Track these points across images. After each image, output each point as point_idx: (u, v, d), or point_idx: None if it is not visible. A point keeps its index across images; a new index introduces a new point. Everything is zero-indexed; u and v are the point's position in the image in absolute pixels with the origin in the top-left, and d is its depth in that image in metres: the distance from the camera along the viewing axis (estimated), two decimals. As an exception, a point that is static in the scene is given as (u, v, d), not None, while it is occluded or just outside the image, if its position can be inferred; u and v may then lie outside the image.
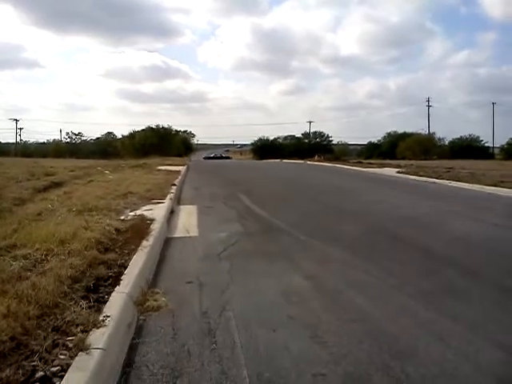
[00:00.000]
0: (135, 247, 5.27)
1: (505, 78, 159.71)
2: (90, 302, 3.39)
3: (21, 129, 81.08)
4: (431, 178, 18.17)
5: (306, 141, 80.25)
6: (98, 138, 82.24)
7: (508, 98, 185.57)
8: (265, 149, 72.29)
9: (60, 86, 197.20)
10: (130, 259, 4.71)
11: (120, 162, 28.82)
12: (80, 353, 2.54)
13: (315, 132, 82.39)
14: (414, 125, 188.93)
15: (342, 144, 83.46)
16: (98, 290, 3.71)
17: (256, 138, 79.36)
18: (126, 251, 5.07)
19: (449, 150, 65.27)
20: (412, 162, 38.15)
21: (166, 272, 4.96)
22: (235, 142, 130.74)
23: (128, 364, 2.86)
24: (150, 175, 17.32)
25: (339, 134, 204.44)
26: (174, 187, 12.92)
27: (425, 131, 70.62)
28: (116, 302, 3.40)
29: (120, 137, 74.71)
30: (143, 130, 66.08)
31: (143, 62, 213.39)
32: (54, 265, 4.06)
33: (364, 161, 39.73)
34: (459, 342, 3.20)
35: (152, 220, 7.09)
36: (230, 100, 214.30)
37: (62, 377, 2.33)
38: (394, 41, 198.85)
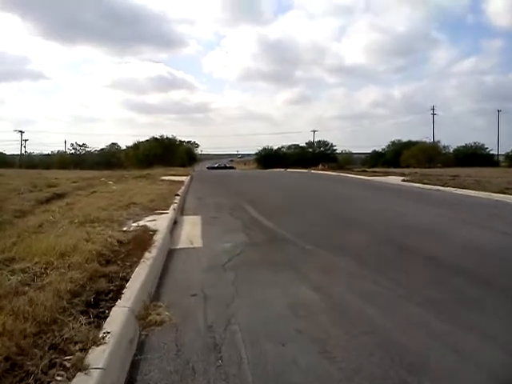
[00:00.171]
0: (137, 259, 5.14)
1: (511, 85, 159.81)
2: (89, 317, 3.26)
3: (26, 140, 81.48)
4: (436, 185, 18.02)
5: (310, 150, 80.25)
6: (102, 149, 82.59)
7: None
8: (269, 158, 72.30)
9: (66, 97, 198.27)
10: (132, 272, 4.58)
11: (124, 173, 28.81)
12: (78, 373, 2.40)
13: (319, 141, 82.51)
14: (419, 133, 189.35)
15: (346, 153, 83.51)
16: (98, 305, 3.57)
17: (260, 148, 79.47)
18: (128, 263, 4.94)
19: (453, 158, 65.14)
20: (416, 170, 38.02)
21: (169, 284, 4.81)
22: (239, 152, 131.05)
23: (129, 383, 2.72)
24: (153, 185, 17.23)
25: (343, 142, 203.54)
26: (178, 197, 12.80)
27: (429, 139, 70.65)
28: (117, 317, 3.26)
29: (124, 147, 75.00)
30: (147, 140, 66.43)
31: (149, 73, 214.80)
32: (54, 279, 3.94)
33: (368, 169, 39.65)
34: (475, 354, 3.04)
35: (155, 231, 6.96)
36: (235, 110, 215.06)
37: (58, 400, 2.19)
38: (400, 50, 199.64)
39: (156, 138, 65.09)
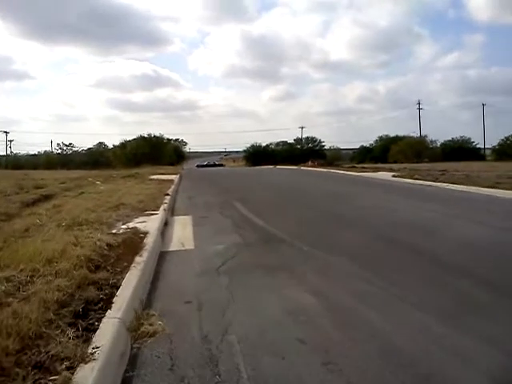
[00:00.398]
0: (128, 264, 4.95)
1: (494, 79, 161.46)
2: (78, 330, 3.07)
3: (11, 141, 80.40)
4: (427, 181, 17.98)
5: (299, 146, 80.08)
6: (89, 149, 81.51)
7: (498, 99, 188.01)
8: (257, 155, 72.06)
9: (50, 97, 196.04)
10: (123, 278, 4.39)
11: (112, 173, 28.48)
12: (65, 396, 2.22)
13: (307, 137, 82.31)
14: (406, 128, 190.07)
15: (335, 149, 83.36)
16: (87, 316, 3.38)
17: (248, 145, 79.20)
18: (119, 269, 4.74)
19: (440, 153, 65.42)
20: (404, 165, 38.14)
21: (161, 291, 4.62)
22: (227, 150, 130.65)
23: (120, 403, 2.54)
24: (142, 185, 16.99)
25: (330, 138, 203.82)
26: (168, 197, 12.59)
27: (416, 134, 70.86)
28: (107, 330, 3.07)
29: (111, 147, 74.23)
30: (135, 139, 65.73)
31: (133, 72, 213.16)
32: (40, 288, 3.73)
33: (357, 165, 39.61)
34: (483, 362, 2.91)
35: (145, 233, 6.77)
36: (221, 107, 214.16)
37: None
38: (384, 45, 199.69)
39: (143, 137, 64.43)
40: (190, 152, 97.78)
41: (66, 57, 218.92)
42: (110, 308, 3.53)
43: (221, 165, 72.87)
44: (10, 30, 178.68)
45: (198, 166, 66.29)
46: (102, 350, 2.72)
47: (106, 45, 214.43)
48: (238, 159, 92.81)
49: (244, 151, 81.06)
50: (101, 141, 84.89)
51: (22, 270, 4.28)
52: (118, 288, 4.05)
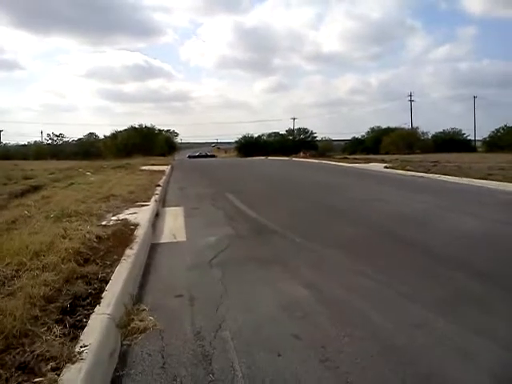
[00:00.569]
0: (118, 257, 4.82)
1: (486, 71, 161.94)
2: (65, 327, 2.95)
3: (0, 131, 79.38)
4: (419, 172, 17.95)
5: (291, 138, 79.78)
6: (80, 139, 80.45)
7: (489, 92, 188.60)
8: (249, 146, 71.64)
9: (41, 87, 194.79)
10: (113, 272, 4.26)
11: (102, 163, 28.15)
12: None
13: (299, 128, 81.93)
14: (397, 120, 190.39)
15: (326, 140, 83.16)
16: (75, 312, 3.25)
17: (240, 136, 78.75)
18: (108, 262, 4.61)
19: (432, 144, 65.43)
20: (396, 156, 38.11)
21: (152, 284, 4.49)
22: (219, 141, 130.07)
23: (110, 404, 2.43)
24: (133, 176, 16.80)
25: (322, 130, 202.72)
26: (159, 188, 12.43)
27: (408, 126, 70.85)
28: (95, 327, 2.95)
29: (102, 137, 73.44)
30: (126, 129, 65.01)
31: (125, 62, 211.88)
32: (26, 282, 3.60)
33: (349, 156, 39.62)
34: (489, 361, 2.84)
35: (136, 225, 6.63)
36: (213, 98, 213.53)
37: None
38: (376, 37, 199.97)
39: (135, 128, 63.72)
40: (181, 143, 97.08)
41: (57, 47, 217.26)
42: (98, 303, 3.40)
43: (213, 156, 72.45)
44: None
45: (189, 156, 65.79)
46: (90, 348, 2.60)
47: (98, 35, 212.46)
48: (229, 150, 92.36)
49: (236, 142, 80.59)
50: (91, 131, 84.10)
51: (7, 264, 4.14)
52: (107, 282, 3.92)
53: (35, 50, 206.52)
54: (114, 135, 65.86)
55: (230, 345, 3.05)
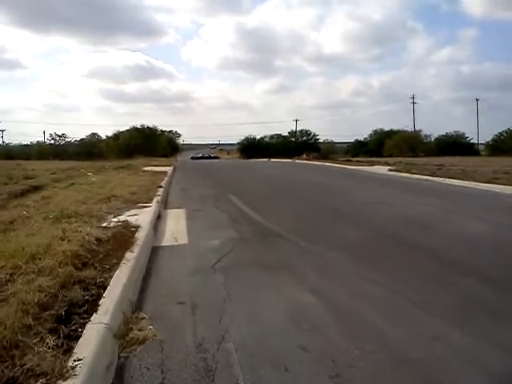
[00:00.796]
0: (117, 261, 4.65)
1: (487, 74, 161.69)
2: (59, 337, 2.77)
3: (3, 131, 79.63)
4: (424, 175, 17.73)
5: (293, 139, 79.55)
6: (82, 139, 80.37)
7: (491, 94, 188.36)
8: (252, 148, 71.48)
9: (43, 86, 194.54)
10: (111, 276, 4.08)
11: (104, 164, 28.06)
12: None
13: (301, 130, 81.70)
14: (399, 122, 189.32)
15: (329, 142, 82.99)
16: (70, 320, 3.07)
17: (242, 138, 78.54)
18: (107, 266, 4.44)
19: (435, 147, 65.20)
20: (400, 159, 37.88)
21: (152, 290, 4.31)
22: (221, 142, 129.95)
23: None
24: (135, 176, 16.65)
25: (324, 132, 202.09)
26: (161, 189, 12.27)
27: (410, 128, 70.66)
28: (91, 338, 2.76)
29: (104, 138, 73.40)
30: (128, 130, 65.08)
31: (126, 62, 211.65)
32: (20, 288, 3.43)
33: (352, 159, 39.39)
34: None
35: (137, 227, 6.46)
36: (215, 99, 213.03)
37: None
38: (377, 39, 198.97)
39: (137, 128, 63.77)
40: (183, 144, 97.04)
41: (59, 46, 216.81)
42: (95, 311, 3.22)
43: (216, 157, 72.22)
44: (1, 18, 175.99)
45: (192, 157, 65.61)
46: (84, 362, 2.41)
47: (99, 35, 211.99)
48: (231, 151, 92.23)
49: (238, 144, 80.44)
50: (94, 131, 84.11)
51: (1, 268, 4.00)
52: (105, 288, 3.74)
53: (37, 50, 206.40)
54: (116, 136, 65.91)
55: (233, 357, 2.86)
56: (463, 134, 71.11)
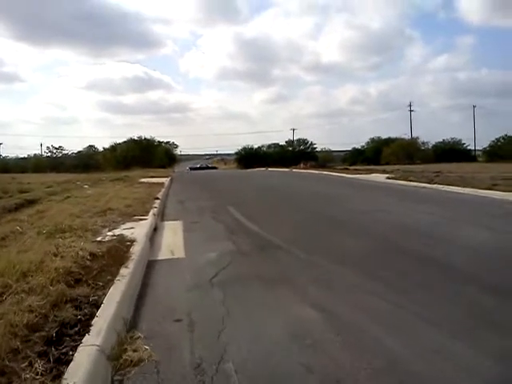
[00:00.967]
0: (112, 277, 4.49)
1: (484, 81, 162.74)
2: (48, 361, 2.62)
3: (0, 144, 79.51)
4: (422, 183, 17.63)
5: (290, 149, 79.66)
6: (79, 152, 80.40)
7: (488, 101, 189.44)
8: (249, 158, 71.51)
9: (41, 99, 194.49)
10: (105, 294, 3.93)
11: (101, 176, 27.86)
12: None
13: (299, 139, 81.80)
14: (397, 129, 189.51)
15: (326, 151, 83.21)
16: (61, 342, 2.91)
17: (239, 147, 78.63)
18: (101, 283, 4.27)
19: (432, 154, 65.43)
20: (397, 166, 37.90)
21: (148, 307, 4.16)
22: (219, 152, 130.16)
23: None
24: (131, 188, 16.48)
25: (322, 140, 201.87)
26: (158, 201, 12.11)
27: (408, 136, 70.83)
28: (82, 362, 2.61)
29: (102, 149, 73.32)
30: (125, 141, 64.98)
31: (124, 74, 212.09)
32: (8, 309, 3.28)
33: (350, 167, 39.37)
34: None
35: (132, 241, 6.31)
36: (213, 110, 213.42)
37: None
38: (375, 47, 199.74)
39: (134, 140, 63.65)
40: (181, 154, 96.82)
41: (57, 59, 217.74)
42: (88, 332, 3.07)
43: (214, 167, 72.29)
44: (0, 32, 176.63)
45: (190, 168, 65.60)
46: (74, 390, 2.27)
47: (97, 47, 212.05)
48: (229, 161, 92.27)
49: (236, 153, 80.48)
50: (91, 144, 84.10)
51: (-10, 287, 3.83)
52: (98, 307, 3.59)
53: (35, 63, 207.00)
54: (113, 147, 65.82)
55: (234, 380, 2.71)
56: (460, 140, 71.56)
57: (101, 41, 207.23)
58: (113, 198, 12.32)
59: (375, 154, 66.12)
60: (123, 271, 4.73)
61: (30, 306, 3.36)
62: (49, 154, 78.17)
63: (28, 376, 2.40)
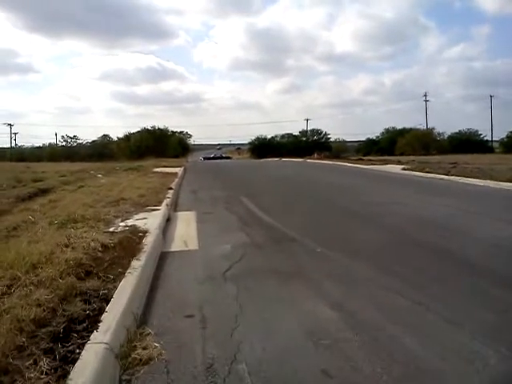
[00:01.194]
0: (123, 270, 4.39)
1: (500, 70, 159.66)
2: (54, 359, 2.51)
3: (15, 133, 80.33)
4: (439, 174, 17.29)
5: (304, 139, 79.05)
6: (93, 141, 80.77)
7: (504, 91, 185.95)
8: (263, 148, 71.16)
9: (55, 90, 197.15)
10: (115, 288, 3.82)
11: (115, 165, 27.94)
12: None
13: (313, 129, 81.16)
14: (411, 120, 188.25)
15: (340, 141, 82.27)
16: (68, 339, 2.81)
17: (253, 137, 78.25)
18: (112, 276, 4.17)
19: (448, 145, 64.39)
20: (412, 157, 37.37)
21: (159, 301, 4.04)
22: (232, 142, 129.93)
23: None
24: (145, 178, 16.45)
25: (335, 130, 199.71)
26: (171, 191, 12.03)
27: (423, 126, 69.81)
28: (90, 360, 2.49)
29: (116, 139, 73.58)
30: (139, 131, 65.13)
31: (138, 64, 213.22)
32: (16, 302, 3.18)
33: (364, 158, 38.97)
34: None
35: (145, 232, 6.21)
36: (226, 100, 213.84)
37: None
38: (389, 37, 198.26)
39: (147, 129, 63.76)
40: (194, 144, 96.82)
41: (71, 50, 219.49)
42: (96, 328, 2.95)
43: (228, 157, 72.07)
44: (13, 22, 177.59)
45: (204, 158, 65.49)
46: (80, 391, 2.16)
47: (111, 38, 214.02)
48: (242, 151, 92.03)
49: (249, 143, 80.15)
50: (105, 133, 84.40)
51: (-1, 279, 3.74)
52: (108, 301, 3.48)
53: (49, 54, 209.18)
54: (127, 137, 66.04)
55: (247, 382, 2.57)
56: (476, 131, 70.22)
57: (114, 32, 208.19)
58: (126, 187, 12.27)
59: (390, 144, 65.30)
60: (135, 263, 4.63)
61: (38, 299, 3.27)
62: (63, 144, 78.69)
63: (32, 375, 2.29)
